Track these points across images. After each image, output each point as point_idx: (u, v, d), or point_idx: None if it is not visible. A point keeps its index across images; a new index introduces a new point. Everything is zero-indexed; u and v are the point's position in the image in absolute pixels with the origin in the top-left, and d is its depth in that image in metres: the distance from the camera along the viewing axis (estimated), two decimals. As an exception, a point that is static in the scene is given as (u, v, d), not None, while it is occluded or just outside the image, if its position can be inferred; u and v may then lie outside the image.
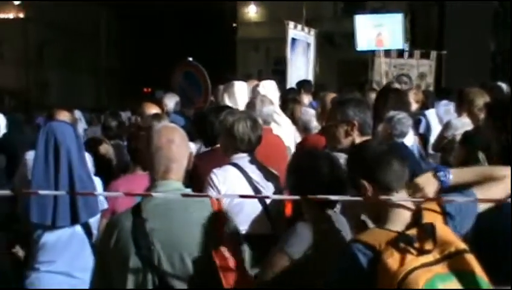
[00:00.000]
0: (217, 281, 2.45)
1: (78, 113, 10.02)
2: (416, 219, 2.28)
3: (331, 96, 5.52)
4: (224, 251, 2.51)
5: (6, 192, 2.53)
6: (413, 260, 2.09)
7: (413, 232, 2.18)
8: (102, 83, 40.80)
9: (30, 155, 5.24)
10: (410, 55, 13.12)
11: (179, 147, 2.65)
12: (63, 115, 5.02)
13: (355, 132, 3.50)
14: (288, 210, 4.08)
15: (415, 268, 2.07)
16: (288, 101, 7.32)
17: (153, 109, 5.73)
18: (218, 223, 2.58)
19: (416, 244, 2.12)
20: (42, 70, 34.48)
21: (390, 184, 2.35)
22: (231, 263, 2.50)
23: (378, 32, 13.39)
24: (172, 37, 40.55)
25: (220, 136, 4.13)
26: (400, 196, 2.36)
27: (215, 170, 3.85)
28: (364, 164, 2.41)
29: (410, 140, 5.54)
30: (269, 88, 6.36)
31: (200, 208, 2.60)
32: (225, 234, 2.59)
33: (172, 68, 9.06)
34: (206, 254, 2.51)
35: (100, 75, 40.81)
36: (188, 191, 2.66)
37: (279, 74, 15.56)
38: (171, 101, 7.39)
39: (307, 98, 8.71)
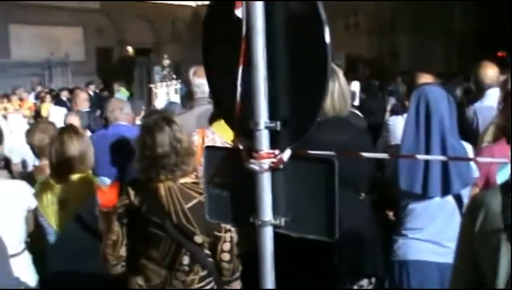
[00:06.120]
0: None
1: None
2: None
3: None
4: None
5: (384, 155, 2.49)
6: None
7: None
8: (454, 48, 39.88)
9: (392, 120, 5.27)
10: None
11: None
12: (426, 78, 4.80)
13: None
14: None
15: None
16: None
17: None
18: None
19: None
20: (393, 38, 35.17)
21: None
22: None
23: None
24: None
25: None
26: None
27: None
28: None
29: None
30: None
31: None
32: None
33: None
34: None
35: (452, 40, 39.91)
36: None
37: None
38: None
39: None
